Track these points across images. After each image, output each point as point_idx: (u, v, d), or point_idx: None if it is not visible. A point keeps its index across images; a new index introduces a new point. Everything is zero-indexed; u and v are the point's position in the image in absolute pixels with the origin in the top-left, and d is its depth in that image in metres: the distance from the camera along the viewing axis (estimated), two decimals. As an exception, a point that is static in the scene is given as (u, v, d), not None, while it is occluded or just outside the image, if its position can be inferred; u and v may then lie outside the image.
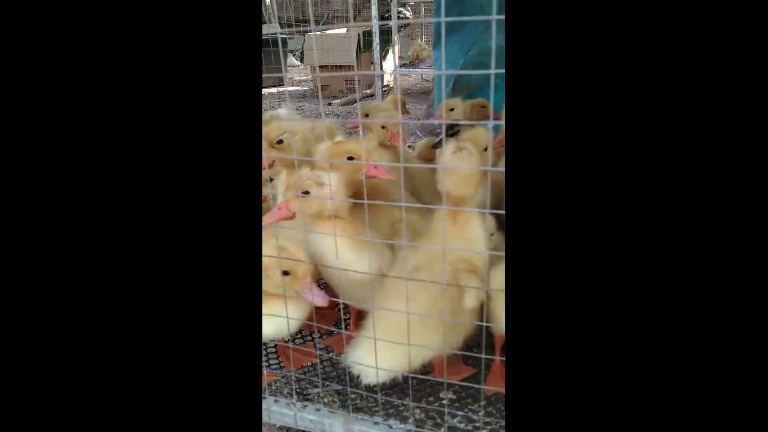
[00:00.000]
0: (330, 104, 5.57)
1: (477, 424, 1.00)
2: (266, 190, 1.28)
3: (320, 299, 0.97)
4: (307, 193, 0.99)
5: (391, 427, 1.00)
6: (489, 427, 0.99)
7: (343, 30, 6.13)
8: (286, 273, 0.96)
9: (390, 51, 6.15)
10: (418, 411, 1.05)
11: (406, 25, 6.87)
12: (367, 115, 1.55)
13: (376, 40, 2.61)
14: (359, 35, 5.96)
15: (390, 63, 6.12)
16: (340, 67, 5.80)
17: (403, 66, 6.24)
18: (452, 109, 1.63)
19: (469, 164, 0.95)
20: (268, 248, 0.94)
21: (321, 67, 5.64)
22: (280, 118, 1.57)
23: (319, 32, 5.65)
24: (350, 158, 1.10)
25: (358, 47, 5.93)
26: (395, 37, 5.45)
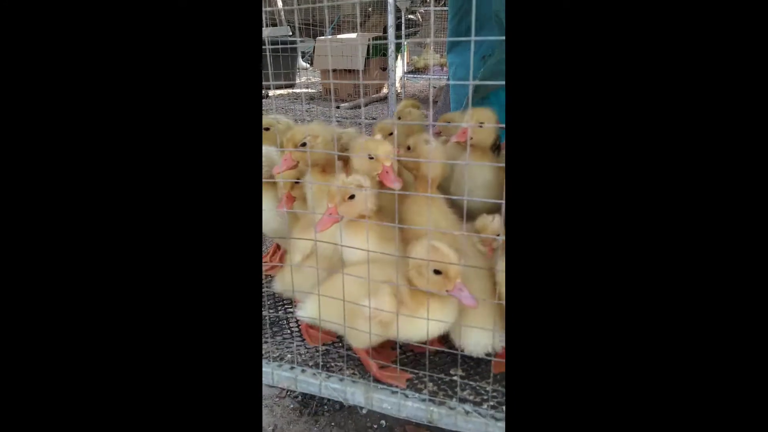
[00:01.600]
0: (338, 107, 5.70)
1: (484, 396, 1.11)
2: (294, 191, 1.39)
3: (471, 300, 0.98)
4: (353, 197, 1.11)
5: (407, 396, 1.11)
6: (495, 399, 1.10)
7: (353, 35, 6.28)
8: (437, 272, 1.00)
9: (399, 57, 6.29)
10: (431, 384, 1.16)
11: (415, 33, 7.01)
12: (391, 134, 1.67)
13: (391, 48, 2.75)
14: (368, 41, 6.09)
15: (399, 69, 6.26)
16: (349, 71, 5.96)
17: (410, 72, 6.38)
18: (449, 122, 1.75)
19: (440, 150, 1.23)
20: (420, 248, 1.00)
21: (331, 71, 5.79)
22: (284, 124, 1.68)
23: (329, 37, 5.79)
24: (371, 157, 1.22)
25: (367, 53, 6.07)
26: (404, 44, 5.60)
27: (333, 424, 1.64)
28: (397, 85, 6.09)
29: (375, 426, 1.66)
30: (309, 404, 1.71)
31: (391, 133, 1.58)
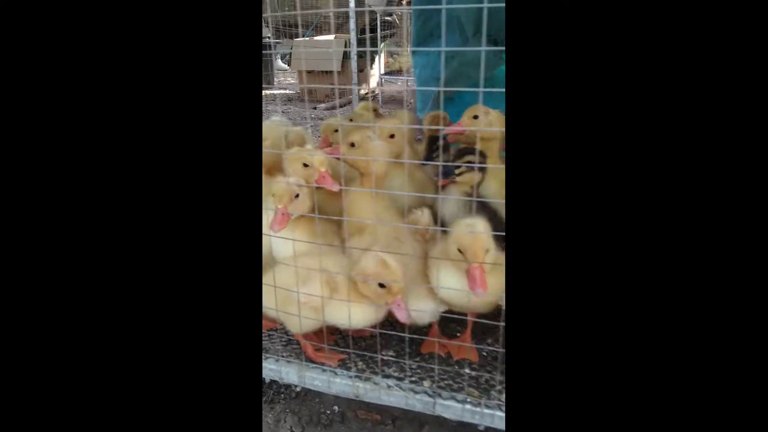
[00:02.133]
0: (315, 108, 5.78)
1: (408, 373, 1.21)
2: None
3: (406, 317, 1.07)
4: (297, 196, 1.21)
5: (336, 374, 1.20)
6: (417, 375, 1.20)
7: (331, 37, 6.36)
8: (382, 286, 1.07)
9: (376, 59, 6.39)
10: (361, 363, 1.25)
11: (392, 35, 7.12)
12: (336, 131, 1.76)
13: (353, 51, 2.85)
14: (346, 42, 6.18)
15: (375, 71, 6.37)
16: (327, 72, 6.05)
17: (387, 74, 6.49)
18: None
19: (384, 147, 1.28)
20: (370, 259, 1.08)
21: (308, 72, 5.87)
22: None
23: (307, 38, 5.86)
24: (305, 165, 1.30)
25: (345, 54, 6.16)
26: (380, 46, 5.69)
27: (288, 410, 1.72)
28: (374, 86, 6.19)
29: (328, 412, 1.74)
30: (266, 392, 1.79)
31: (336, 130, 1.68)
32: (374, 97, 6.06)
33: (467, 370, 1.22)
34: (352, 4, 2.57)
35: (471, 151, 1.44)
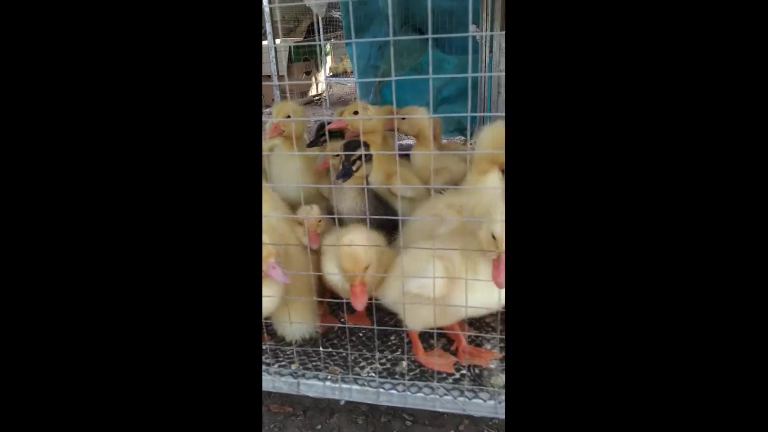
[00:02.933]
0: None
1: (279, 358, 1.26)
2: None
3: (281, 277, 1.09)
4: None
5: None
6: (288, 359, 1.25)
7: (277, 41, 6.37)
8: None
9: (322, 62, 6.44)
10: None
11: (337, 36, 7.19)
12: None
13: (272, 53, 2.90)
14: (290, 47, 6.21)
15: (322, 73, 6.42)
16: (269, 76, 6.06)
17: (334, 76, 6.55)
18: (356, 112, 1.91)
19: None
20: None
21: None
22: None
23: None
24: None
25: (289, 58, 6.19)
26: (327, 47, 5.75)
27: (199, 407, 1.75)
28: (322, 88, 6.25)
29: (241, 406, 1.77)
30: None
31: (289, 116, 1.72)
32: (321, 99, 6.10)
33: (323, 349, 1.28)
34: (265, 5, 2.61)
35: (359, 143, 1.49)
